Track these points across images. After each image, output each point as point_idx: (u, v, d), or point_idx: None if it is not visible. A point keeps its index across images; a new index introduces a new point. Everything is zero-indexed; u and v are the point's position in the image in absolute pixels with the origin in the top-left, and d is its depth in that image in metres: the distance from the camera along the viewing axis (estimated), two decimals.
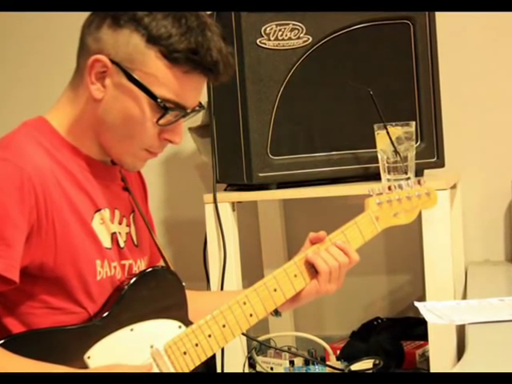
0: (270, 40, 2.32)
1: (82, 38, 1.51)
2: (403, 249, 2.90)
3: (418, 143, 2.40)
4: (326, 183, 2.40)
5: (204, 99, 2.40)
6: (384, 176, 2.27)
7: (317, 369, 2.54)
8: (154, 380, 1.44)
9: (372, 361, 2.47)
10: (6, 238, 1.35)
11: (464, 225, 2.76)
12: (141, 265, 1.62)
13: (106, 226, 1.53)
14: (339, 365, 2.52)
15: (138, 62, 1.45)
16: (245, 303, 1.61)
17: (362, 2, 2.28)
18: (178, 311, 1.58)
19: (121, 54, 1.45)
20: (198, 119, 2.65)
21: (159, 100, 1.45)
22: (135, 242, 1.62)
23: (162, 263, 1.69)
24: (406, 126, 2.27)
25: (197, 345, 1.55)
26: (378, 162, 2.29)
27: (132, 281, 1.52)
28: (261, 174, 2.33)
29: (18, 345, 1.38)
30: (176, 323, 1.56)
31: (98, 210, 1.52)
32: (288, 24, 2.33)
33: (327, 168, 2.38)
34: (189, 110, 1.51)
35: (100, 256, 1.50)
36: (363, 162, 2.39)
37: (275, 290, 1.65)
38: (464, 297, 2.39)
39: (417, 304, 1.77)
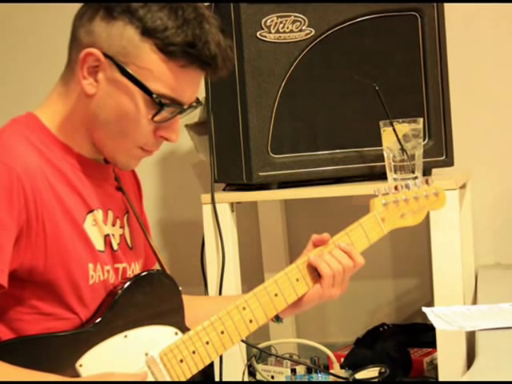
0: (270, 33, 2.32)
1: (73, 31, 1.51)
2: (410, 252, 2.90)
3: (426, 141, 2.41)
4: (330, 183, 2.40)
5: (202, 95, 2.40)
6: (390, 175, 2.28)
7: (320, 377, 2.55)
8: None
9: (378, 369, 2.47)
10: None
11: (474, 226, 2.76)
12: (135, 268, 1.62)
13: (98, 227, 1.53)
14: (343, 373, 2.52)
15: (133, 55, 1.45)
16: (244, 308, 1.61)
17: None
18: (175, 317, 1.58)
19: (114, 47, 1.45)
20: (195, 116, 2.66)
21: (154, 96, 1.45)
22: (129, 245, 1.62)
23: (157, 267, 1.69)
24: (413, 123, 2.27)
25: (194, 352, 1.55)
26: (383, 161, 2.30)
27: (126, 285, 1.52)
28: (261, 173, 2.34)
29: (7, 352, 1.38)
30: (172, 329, 1.56)
31: (91, 211, 1.52)
32: (289, 16, 2.34)
33: (330, 167, 2.38)
34: (186, 106, 1.51)
35: (92, 259, 1.50)
36: (368, 161, 2.40)
37: (276, 295, 1.65)
38: (474, 302, 2.39)
39: (424, 309, 1.77)
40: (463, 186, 2.62)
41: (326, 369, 2.60)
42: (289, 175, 2.36)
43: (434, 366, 2.54)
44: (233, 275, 2.40)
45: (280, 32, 2.33)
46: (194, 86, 1.51)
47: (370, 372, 2.47)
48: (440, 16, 2.42)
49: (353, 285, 1.78)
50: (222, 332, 1.58)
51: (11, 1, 3.04)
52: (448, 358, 2.27)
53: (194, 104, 1.53)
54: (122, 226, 1.61)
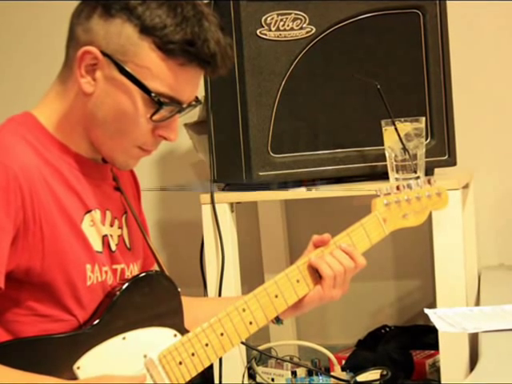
0: (270, 30, 2.32)
1: (71, 29, 1.51)
2: (412, 252, 2.90)
3: (428, 140, 2.41)
4: (331, 183, 2.40)
5: (201, 93, 2.40)
6: (392, 175, 2.28)
7: (321, 380, 2.55)
8: None
9: (379, 371, 2.47)
10: None
11: (477, 227, 2.76)
12: (134, 269, 1.62)
13: (96, 228, 1.53)
14: (344, 376, 2.52)
15: (131, 53, 1.45)
16: (244, 310, 1.61)
17: None
18: (173, 319, 1.58)
19: (112, 45, 1.45)
20: (194, 115, 2.65)
21: (153, 94, 1.45)
22: (128, 245, 1.62)
23: (156, 268, 1.69)
24: (415, 122, 2.27)
25: (193, 354, 1.55)
26: (385, 160, 2.30)
27: (124, 286, 1.52)
28: (261, 173, 2.34)
29: (3, 354, 1.38)
30: (171, 331, 1.56)
31: (89, 211, 1.52)
32: (290, 13, 2.33)
33: (331, 166, 2.38)
34: (185, 105, 1.50)
35: (90, 260, 1.49)
36: (370, 161, 2.40)
37: (276, 297, 1.65)
38: (477, 303, 2.39)
39: (427, 311, 1.77)
40: (466, 186, 2.62)
41: (327, 371, 2.60)
42: (289, 175, 2.36)
43: (436, 369, 2.54)
44: (232, 276, 2.40)
45: (280, 30, 2.33)
46: (193, 85, 1.51)
47: (372, 374, 2.47)
48: (442, 13, 2.42)
49: (354, 286, 1.78)
50: (222, 334, 1.58)
51: None
52: (450, 360, 2.27)
53: (193, 103, 1.53)
54: (120, 227, 1.61)
